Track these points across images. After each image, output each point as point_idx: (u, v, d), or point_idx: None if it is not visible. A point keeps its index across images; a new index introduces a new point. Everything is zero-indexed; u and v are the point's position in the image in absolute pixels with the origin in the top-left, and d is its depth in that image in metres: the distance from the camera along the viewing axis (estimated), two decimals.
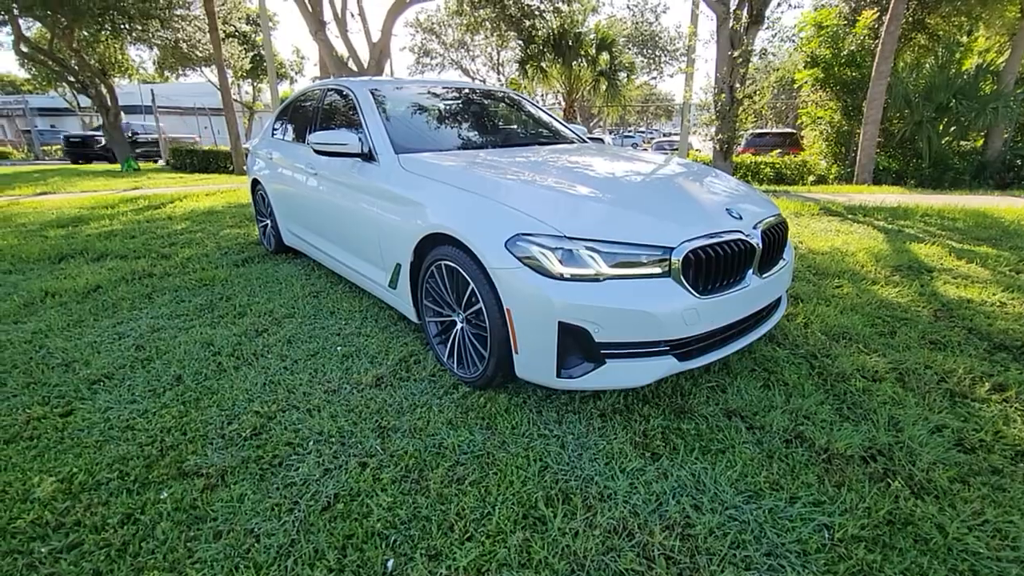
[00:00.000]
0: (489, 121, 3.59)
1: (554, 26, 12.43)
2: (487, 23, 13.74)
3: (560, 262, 1.80)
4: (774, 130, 16.12)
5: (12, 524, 1.52)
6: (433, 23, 26.68)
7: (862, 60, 11.37)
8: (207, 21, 14.78)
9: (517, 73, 13.86)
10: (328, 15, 11.04)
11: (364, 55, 11.96)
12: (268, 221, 4.36)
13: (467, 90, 3.84)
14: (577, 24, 12.21)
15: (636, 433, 1.88)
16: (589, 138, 3.91)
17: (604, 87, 12.45)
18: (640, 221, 1.93)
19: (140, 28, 15.31)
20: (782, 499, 1.57)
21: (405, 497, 1.60)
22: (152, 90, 20.55)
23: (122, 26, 14.59)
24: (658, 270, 1.84)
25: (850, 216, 5.85)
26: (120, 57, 19.11)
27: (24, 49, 14.20)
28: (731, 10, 8.75)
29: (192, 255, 4.42)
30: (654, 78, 27.95)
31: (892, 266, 3.76)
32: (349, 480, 1.67)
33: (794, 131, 14.93)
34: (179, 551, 1.43)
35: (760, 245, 2.05)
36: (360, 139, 2.75)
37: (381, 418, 2.01)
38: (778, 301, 2.45)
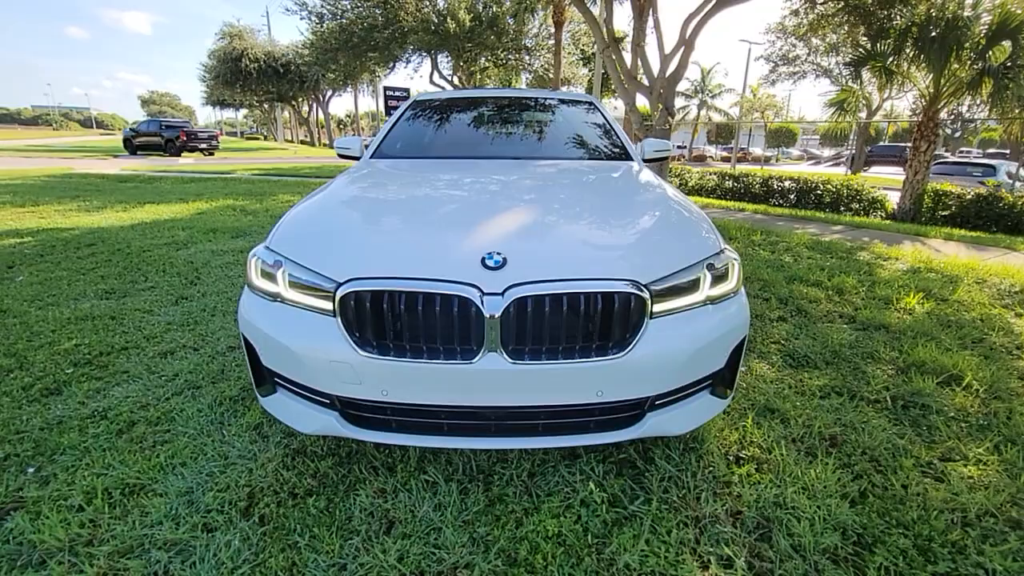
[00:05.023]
0: (507, 131, 3.21)
1: (919, 12, 9.05)
2: (826, 20, 11.25)
3: (258, 273, 1.69)
4: None
5: None
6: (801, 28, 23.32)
7: None
8: (554, 48, 17.12)
9: (848, 75, 10.75)
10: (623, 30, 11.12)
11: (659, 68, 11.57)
12: None
13: (516, 97, 3.59)
14: (955, 7, 8.54)
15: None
16: (647, 160, 2.87)
17: (987, 90, 8.36)
18: (341, 245, 1.65)
19: (513, 57, 19.24)
20: None
21: None
22: None
23: (479, 56, 18.77)
24: (329, 306, 1.50)
25: None
26: (514, 81, 24.53)
27: (435, 79, 19.61)
28: None
29: None
30: None
31: None
32: None
33: None
34: None
35: (499, 314, 1.39)
36: (364, 144, 2.95)
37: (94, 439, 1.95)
38: (640, 409, 1.54)
